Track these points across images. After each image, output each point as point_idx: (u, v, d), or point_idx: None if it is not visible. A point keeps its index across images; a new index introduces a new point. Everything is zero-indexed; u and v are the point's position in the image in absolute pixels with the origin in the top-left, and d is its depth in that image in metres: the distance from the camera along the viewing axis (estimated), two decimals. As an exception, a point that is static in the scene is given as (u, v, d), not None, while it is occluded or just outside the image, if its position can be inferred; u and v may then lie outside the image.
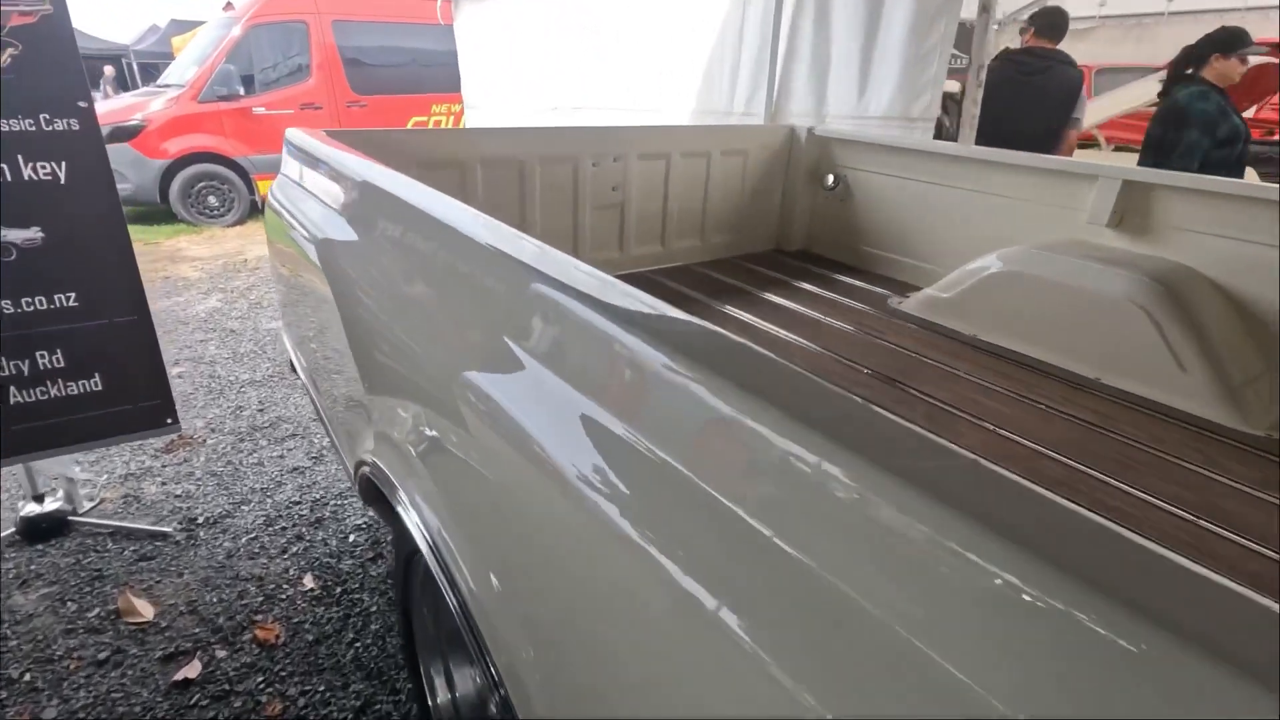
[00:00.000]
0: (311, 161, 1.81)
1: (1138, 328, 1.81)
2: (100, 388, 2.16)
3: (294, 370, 2.17)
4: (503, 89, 5.65)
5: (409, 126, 8.19)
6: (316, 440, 2.87)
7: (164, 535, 2.26)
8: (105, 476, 2.57)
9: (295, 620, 1.92)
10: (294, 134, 1.93)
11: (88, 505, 2.38)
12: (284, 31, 7.41)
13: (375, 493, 1.25)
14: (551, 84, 5.14)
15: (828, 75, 3.35)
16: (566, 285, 0.81)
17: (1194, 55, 3.12)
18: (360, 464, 1.29)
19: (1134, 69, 7.14)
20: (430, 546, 1.00)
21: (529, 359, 0.87)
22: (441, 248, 1.15)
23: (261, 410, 3.13)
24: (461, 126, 7.95)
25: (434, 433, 1.07)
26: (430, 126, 8.32)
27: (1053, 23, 3.58)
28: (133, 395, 2.21)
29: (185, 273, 5.36)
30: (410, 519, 1.08)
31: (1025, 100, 3.47)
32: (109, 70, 8.36)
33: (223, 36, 7.24)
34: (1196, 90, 3.08)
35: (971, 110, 3.00)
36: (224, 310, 4.48)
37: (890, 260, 2.73)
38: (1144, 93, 5.90)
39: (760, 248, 3.04)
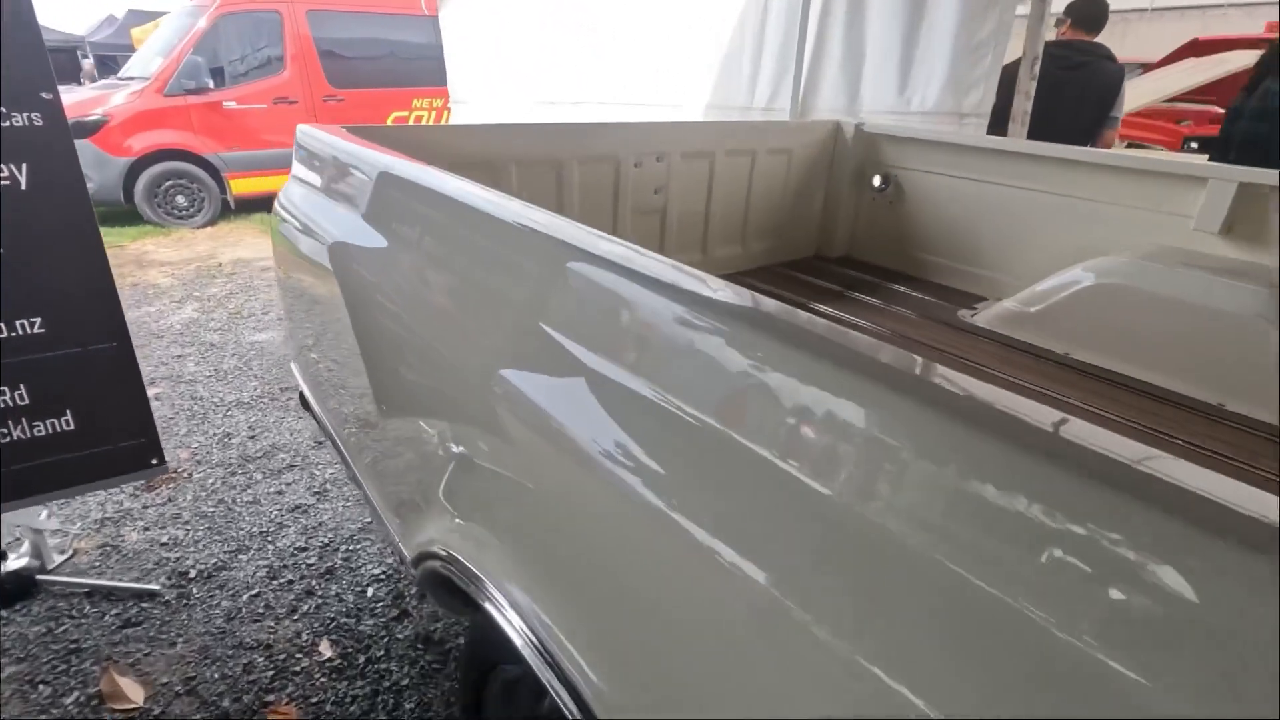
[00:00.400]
0: (335, 163, 1.53)
1: (1268, 348, 1.62)
2: (72, 427, 1.85)
3: (306, 408, 1.88)
4: (493, 83, 5.35)
5: (389, 122, 7.83)
6: (319, 473, 2.57)
7: (151, 594, 1.96)
8: (78, 524, 2.26)
9: (314, 700, 1.65)
10: (308, 132, 1.65)
11: (59, 559, 2.07)
12: (255, 22, 7.00)
13: (448, 587, 1.00)
14: (547, 78, 4.86)
15: (862, 67, 3.13)
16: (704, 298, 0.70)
17: None
18: (427, 556, 1.02)
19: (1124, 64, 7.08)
20: (538, 651, 0.77)
21: (650, 390, 0.71)
22: (528, 258, 0.94)
23: (253, 437, 2.82)
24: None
25: (535, 507, 0.85)
26: (411, 122, 7.96)
27: (1091, 14, 3.40)
28: (111, 434, 1.91)
29: (155, 279, 4.97)
30: (509, 621, 0.84)
31: (1067, 96, 3.29)
32: (88, 64, 7.80)
33: (189, 26, 6.80)
34: (1268, 89, 2.93)
35: (1024, 105, 2.81)
36: (201, 321, 4.13)
37: (948, 268, 2.52)
38: (1156, 88, 5.81)
39: (800, 254, 2.81)
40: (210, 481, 2.51)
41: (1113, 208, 2.08)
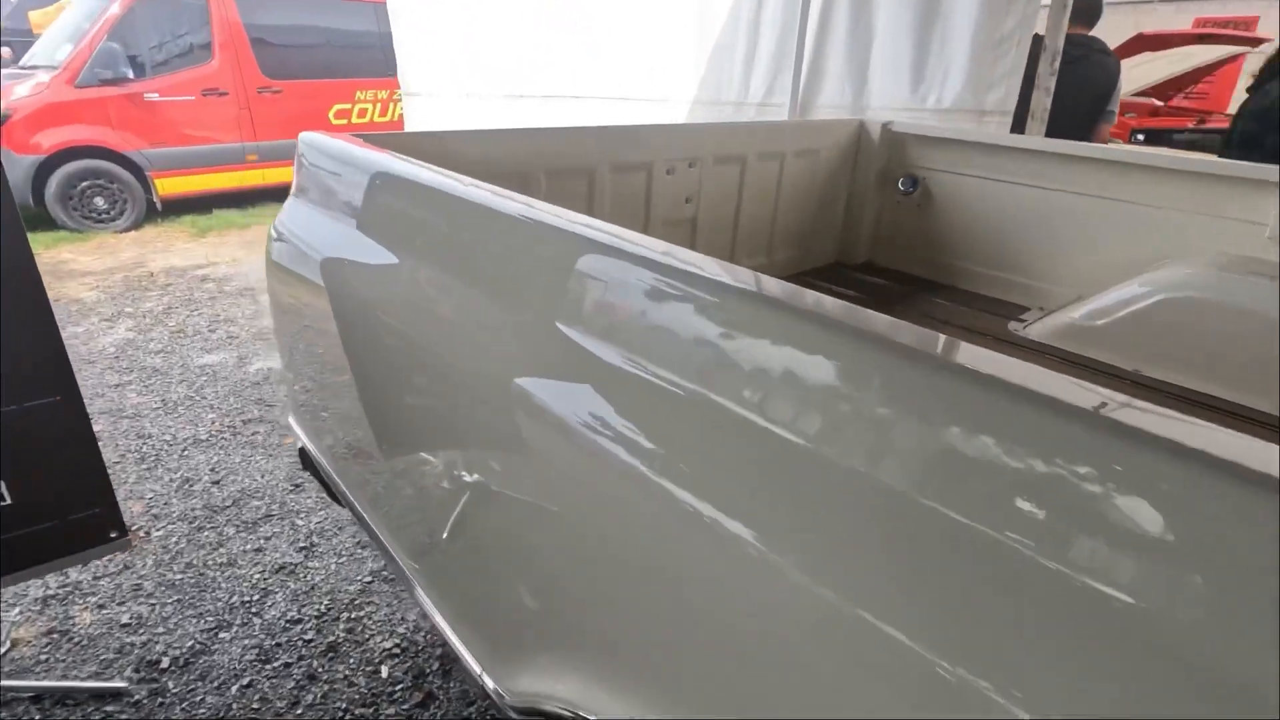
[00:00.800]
0: (353, 179, 1.26)
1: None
2: (8, 501, 1.51)
3: (311, 471, 1.59)
4: (452, 74, 5.00)
5: (330, 116, 7.32)
6: (302, 522, 2.26)
7: (116, 694, 1.63)
8: (16, 607, 1.89)
9: (339, 822, 1.38)
10: (314, 143, 1.36)
11: (-6, 655, 1.71)
12: (175, 6, 6.39)
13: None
14: (515, 69, 4.55)
15: (868, 60, 2.98)
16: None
17: None
18: (540, 713, 0.79)
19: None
20: None
21: None
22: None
23: (218, 482, 2.47)
24: (398, 117, 7.15)
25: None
26: (356, 116, 7.47)
27: (1087, 7, 3.34)
28: (60, 506, 1.57)
29: (77, 293, 4.45)
30: None
31: (1065, 91, 3.22)
32: (7, 51, 6.92)
33: (101, 10, 6.15)
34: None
35: (1044, 101, 2.70)
36: (139, 342, 3.68)
37: (981, 275, 2.39)
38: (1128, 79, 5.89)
39: (821, 261, 2.64)
40: (173, 541, 2.17)
41: (1170, 213, 1.97)
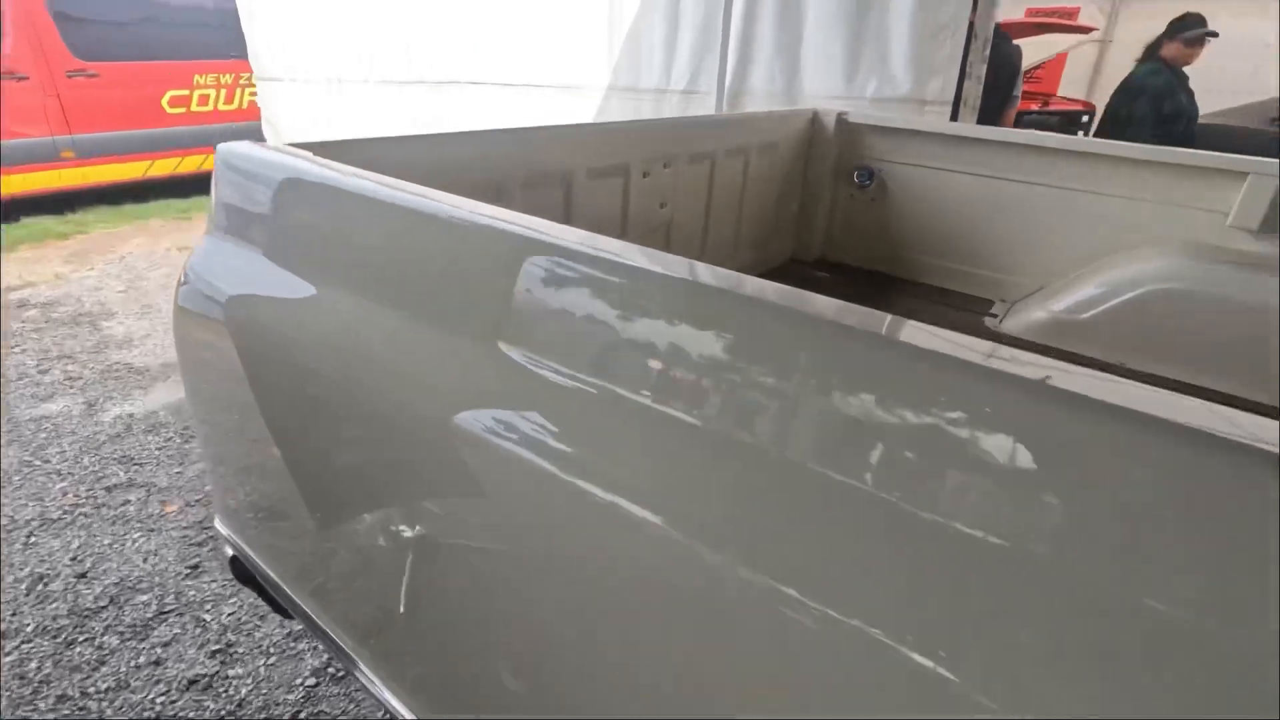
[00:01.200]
0: (279, 191, 0.94)
1: (1346, 350, 1.58)
2: None
3: (250, 586, 1.23)
4: (319, 56, 4.42)
5: (165, 103, 6.35)
6: (209, 616, 1.83)
7: None
8: None
9: None
10: (237, 155, 1.01)
11: None
12: (-53, -30, 5.24)
13: None
14: (396, 52, 4.08)
15: (800, 47, 2.86)
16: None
17: (1158, 38, 3.18)
18: None
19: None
20: None
21: None
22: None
23: (84, 575, 1.97)
24: (248, 104, 6.26)
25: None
26: (196, 104, 6.52)
27: (987, -5, 3.43)
28: None
29: None
30: None
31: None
32: None
33: None
34: (1150, 67, 3.16)
35: (976, 90, 2.70)
36: (-59, 395, 2.94)
37: (941, 269, 2.35)
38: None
39: (777, 260, 2.50)
40: (34, 665, 1.68)
41: (1129, 202, 1.99)
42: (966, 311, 2.17)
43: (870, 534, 0.51)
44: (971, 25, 2.59)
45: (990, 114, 3.28)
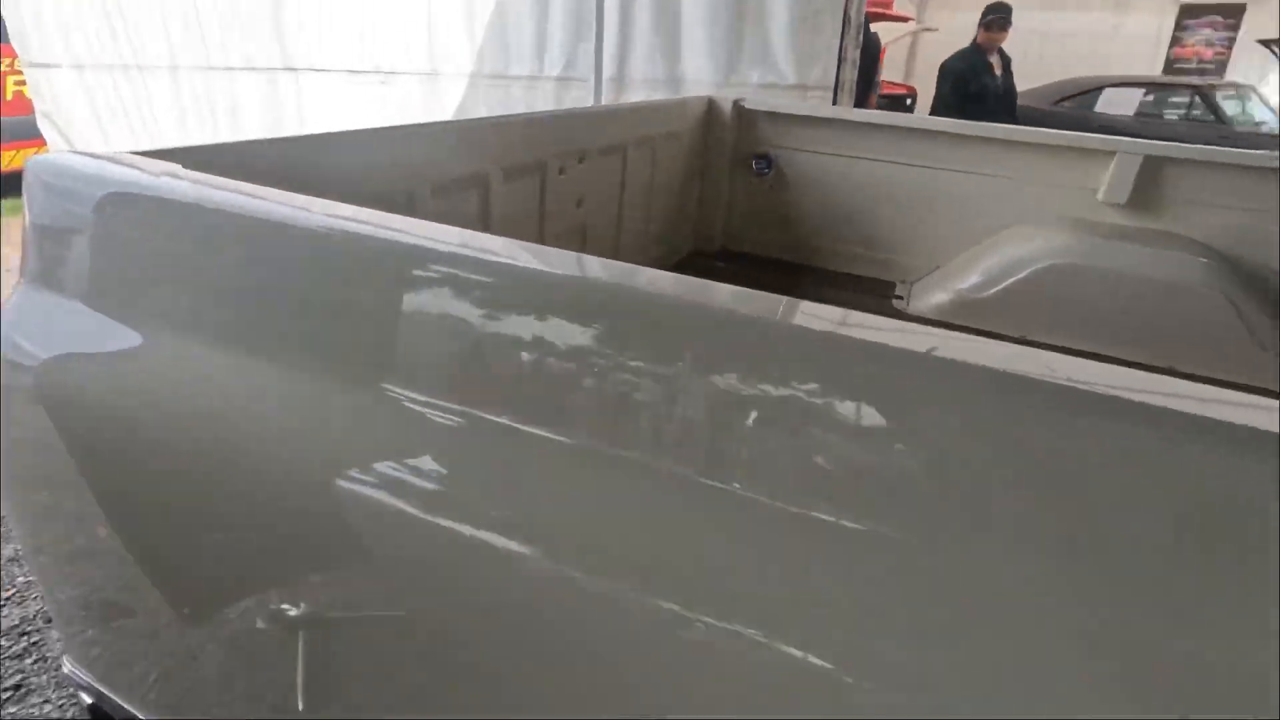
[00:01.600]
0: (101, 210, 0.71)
1: (1210, 311, 1.76)
2: None
3: None
4: (104, 39, 3.74)
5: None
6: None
7: None
8: None
9: None
10: (60, 170, 0.74)
11: None
12: None
13: None
14: (207, 32, 3.53)
15: (679, 32, 2.79)
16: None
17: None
18: None
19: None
20: None
21: None
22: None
23: None
24: (12, 95, 5.14)
25: None
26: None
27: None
28: None
29: None
30: None
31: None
32: None
33: None
34: (960, 52, 3.47)
35: (851, 75, 2.76)
36: None
37: (842, 253, 2.38)
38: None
39: (680, 253, 2.42)
40: None
41: (1010, 181, 2.11)
42: (870, 294, 2.21)
43: (797, 543, 0.49)
44: (846, 12, 2.63)
45: (858, 99, 3.41)
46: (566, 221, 1.63)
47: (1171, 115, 6.06)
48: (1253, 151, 1.85)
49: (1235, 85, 6.25)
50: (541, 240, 1.56)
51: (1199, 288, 1.76)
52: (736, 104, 2.30)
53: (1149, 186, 1.95)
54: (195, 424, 0.67)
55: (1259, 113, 5.98)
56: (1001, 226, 2.11)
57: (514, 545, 0.54)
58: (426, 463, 0.60)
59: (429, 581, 0.60)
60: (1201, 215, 1.92)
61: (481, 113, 3.18)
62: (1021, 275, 1.93)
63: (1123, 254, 1.84)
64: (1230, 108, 5.87)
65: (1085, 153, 1.99)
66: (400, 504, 0.58)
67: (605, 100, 2.91)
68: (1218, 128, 5.65)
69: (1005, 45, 3.85)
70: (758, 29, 2.64)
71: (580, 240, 1.72)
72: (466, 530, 0.55)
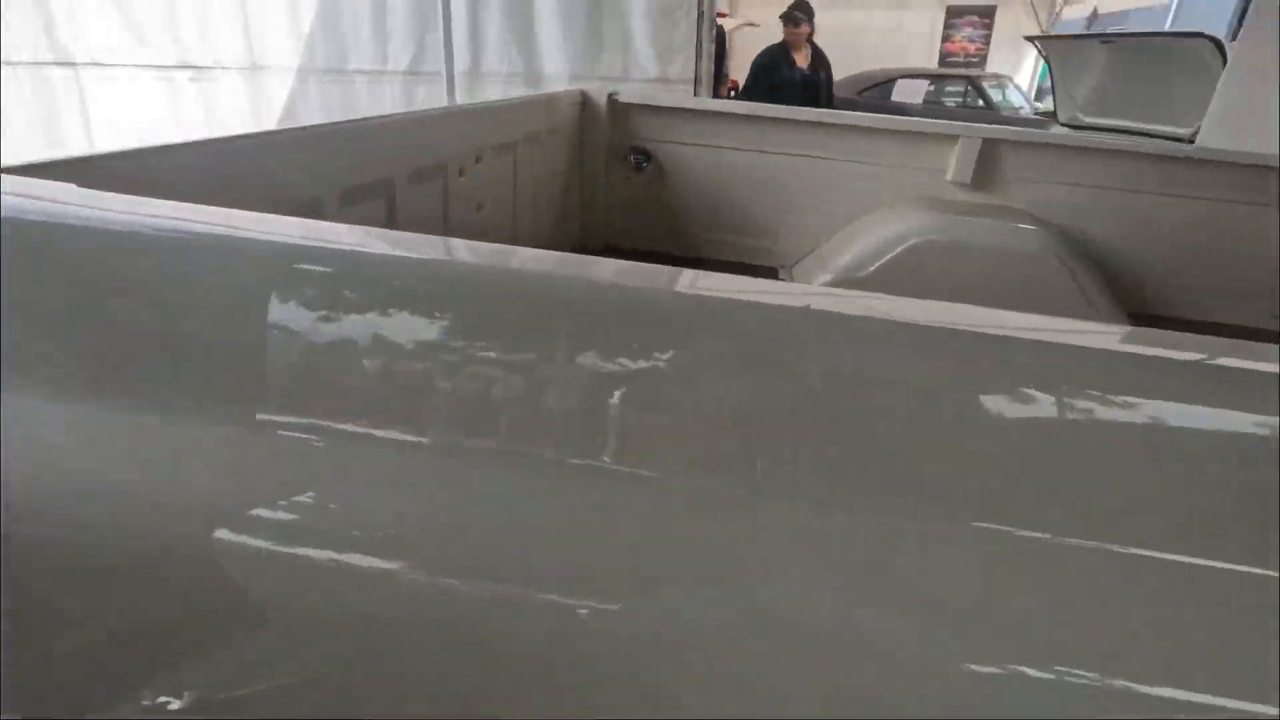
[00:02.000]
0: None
1: (1051, 276, 2.02)
2: None
3: None
4: None
5: None
6: None
7: None
8: None
9: None
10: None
11: None
12: None
13: None
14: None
15: (534, 25, 2.70)
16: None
17: None
18: None
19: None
20: None
21: None
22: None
23: None
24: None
25: None
26: None
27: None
28: None
29: None
30: None
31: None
32: None
33: None
34: (768, 47, 3.71)
35: (708, 67, 2.83)
36: None
37: (725, 243, 2.44)
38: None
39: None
40: None
41: (874, 167, 2.27)
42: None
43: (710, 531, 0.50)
44: (700, 6, 2.69)
45: (714, 91, 3.52)
46: (470, 228, 1.51)
47: (950, 103, 6.90)
48: (1066, 133, 2.14)
49: (998, 76, 7.21)
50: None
51: (1040, 255, 2.00)
52: (611, 97, 2.26)
53: (988, 166, 2.18)
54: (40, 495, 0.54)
55: (1015, 99, 6.97)
56: (869, 207, 2.27)
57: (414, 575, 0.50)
58: (324, 501, 0.53)
59: (333, 633, 0.53)
60: (1031, 190, 2.19)
61: (317, 113, 2.88)
62: (893, 254, 2.08)
63: (975, 229, 2.05)
64: (995, 95, 6.79)
65: (933, 138, 2.19)
66: (291, 550, 0.51)
67: (460, 97, 2.75)
68: (988, 113, 6.50)
69: (823, 41, 4.16)
70: (616, 22, 2.62)
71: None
72: (380, 562, 0.50)
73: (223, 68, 2.87)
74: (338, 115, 2.82)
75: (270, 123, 2.94)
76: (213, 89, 2.86)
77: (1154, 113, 4.03)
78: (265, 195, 0.89)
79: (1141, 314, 2.13)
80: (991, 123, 6.34)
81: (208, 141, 0.88)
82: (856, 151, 2.24)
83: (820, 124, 2.23)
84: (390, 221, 1.19)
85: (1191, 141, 3.42)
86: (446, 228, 1.41)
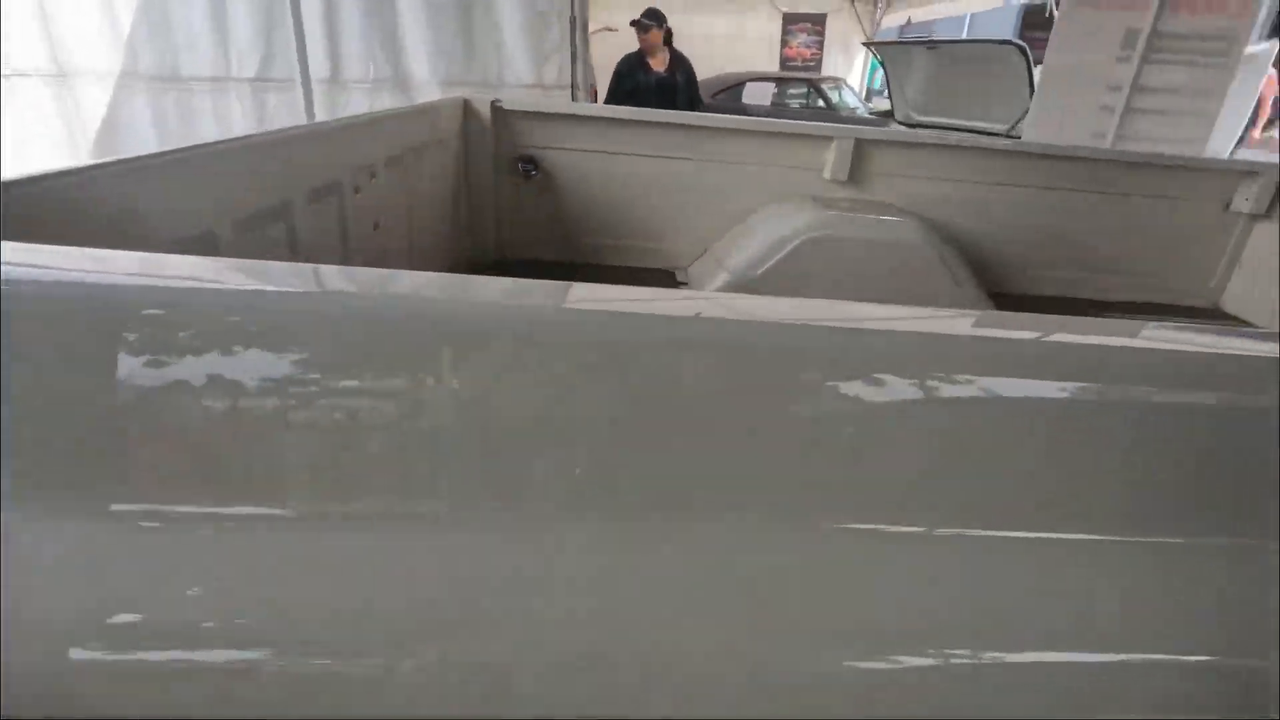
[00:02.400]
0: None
1: (925, 263, 2.19)
2: None
3: None
4: None
5: None
6: None
7: None
8: None
9: None
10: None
11: None
12: None
13: None
14: None
15: (399, 31, 2.55)
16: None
17: None
18: None
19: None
20: None
21: None
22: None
23: None
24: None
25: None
26: None
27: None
28: None
29: None
30: None
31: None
32: None
33: None
34: (626, 54, 3.77)
35: (584, 72, 2.80)
36: None
37: (620, 248, 2.44)
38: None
39: (457, 270, 2.24)
40: None
41: (753, 167, 2.36)
42: (655, 284, 2.30)
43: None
44: (573, 10, 2.66)
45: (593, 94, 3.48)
46: (369, 250, 1.39)
47: (794, 104, 7.34)
48: (920, 132, 2.33)
49: (834, 79, 7.75)
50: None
51: (914, 244, 2.17)
52: (495, 105, 2.18)
53: (861, 164, 2.33)
54: None
55: (851, 100, 7.53)
56: (754, 206, 2.35)
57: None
58: (199, 598, 0.45)
59: None
60: (898, 185, 2.36)
61: (147, 126, 2.55)
62: (785, 251, 2.17)
63: (856, 223, 2.19)
64: (834, 96, 7.30)
65: (811, 139, 2.31)
66: (167, 658, 0.43)
67: (318, 106, 2.54)
68: (828, 113, 6.98)
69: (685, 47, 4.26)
70: (487, 26, 2.53)
71: (381, 264, 1.48)
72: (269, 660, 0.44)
73: (20, 75, 2.46)
74: (174, 128, 2.53)
75: (86, 138, 2.57)
76: (12, 101, 2.45)
77: (975, 110, 4.51)
78: (150, 229, 0.75)
79: (999, 292, 2.36)
80: (833, 121, 6.78)
81: (68, 171, 0.73)
82: (739, 153, 2.32)
83: (703, 128, 2.28)
84: (292, 248, 1.07)
85: (1010, 135, 3.87)
86: (346, 251, 1.29)
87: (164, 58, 2.49)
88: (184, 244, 0.80)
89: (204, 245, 0.85)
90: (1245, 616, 0.53)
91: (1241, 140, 3.72)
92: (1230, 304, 2.47)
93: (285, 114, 2.53)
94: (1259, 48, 3.28)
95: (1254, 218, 2.35)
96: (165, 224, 0.80)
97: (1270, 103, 7.32)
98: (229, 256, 0.89)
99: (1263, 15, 3.07)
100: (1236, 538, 0.55)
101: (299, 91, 2.50)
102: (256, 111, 2.55)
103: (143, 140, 2.50)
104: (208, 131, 2.62)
